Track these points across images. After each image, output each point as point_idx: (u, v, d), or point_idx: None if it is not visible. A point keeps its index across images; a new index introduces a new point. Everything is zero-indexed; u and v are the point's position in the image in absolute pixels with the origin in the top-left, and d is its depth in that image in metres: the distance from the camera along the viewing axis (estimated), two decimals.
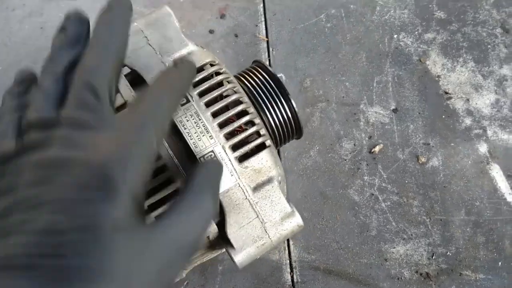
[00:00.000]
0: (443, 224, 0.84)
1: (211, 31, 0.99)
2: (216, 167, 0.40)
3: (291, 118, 0.65)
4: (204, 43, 0.98)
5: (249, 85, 0.64)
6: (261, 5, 1.02)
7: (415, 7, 1.02)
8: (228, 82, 0.58)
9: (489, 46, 0.99)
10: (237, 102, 0.57)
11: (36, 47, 0.96)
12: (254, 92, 0.63)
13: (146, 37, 0.61)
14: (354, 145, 0.90)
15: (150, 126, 0.33)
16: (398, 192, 0.87)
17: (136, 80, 0.59)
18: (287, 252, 0.82)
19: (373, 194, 0.87)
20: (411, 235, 0.84)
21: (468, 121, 0.92)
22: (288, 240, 0.83)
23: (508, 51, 0.99)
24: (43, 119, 0.33)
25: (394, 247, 0.83)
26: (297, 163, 0.89)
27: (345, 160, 0.89)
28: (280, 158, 0.89)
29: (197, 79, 0.56)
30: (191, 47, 0.60)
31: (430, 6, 1.03)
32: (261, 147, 0.57)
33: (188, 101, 0.54)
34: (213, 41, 0.98)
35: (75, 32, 0.39)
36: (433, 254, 0.82)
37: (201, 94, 0.55)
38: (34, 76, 0.40)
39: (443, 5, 1.03)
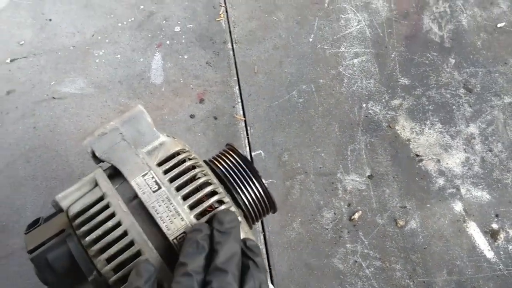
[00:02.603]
0: (427, 286, 0.86)
1: (192, 116, 1.06)
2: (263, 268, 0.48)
3: (263, 195, 0.69)
4: (186, 127, 1.04)
5: (221, 167, 0.69)
6: (237, 87, 1.09)
7: (380, 76, 1.09)
8: (198, 167, 0.63)
9: (454, 106, 1.05)
10: (206, 184, 0.61)
11: (30, 146, 1.02)
12: (226, 174, 0.68)
13: (121, 133, 0.66)
14: (334, 213, 0.93)
15: None
16: (380, 257, 0.89)
17: (113, 173, 0.64)
18: None
19: (356, 261, 0.89)
20: None
21: (441, 181, 0.96)
22: None
23: (473, 110, 1.04)
24: None
25: None
26: (281, 236, 0.92)
27: (327, 229, 0.92)
28: (264, 233, 0.92)
29: (167, 166, 0.61)
30: (162, 138, 0.65)
31: (394, 74, 1.09)
32: None
33: (159, 187, 0.59)
34: (194, 125, 1.05)
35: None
36: None
37: (172, 180, 0.59)
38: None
39: (406, 71, 1.09)
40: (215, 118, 1.05)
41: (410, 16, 1.17)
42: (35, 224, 0.66)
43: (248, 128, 1.04)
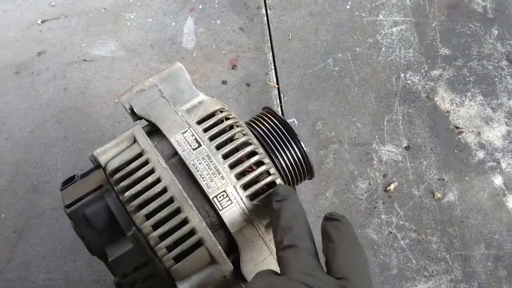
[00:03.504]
0: (464, 259, 0.84)
1: (224, 82, 1.04)
2: (348, 222, 0.48)
3: (301, 159, 0.67)
4: (218, 93, 1.02)
5: (259, 130, 0.67)
6: (270, 54, 1.07)
7: (419, 46, 1.05)
8: (237, 126, 0.61)
9: (496, 79, 1.01)
10: (246, 144, 0.60)
11: (60, 108, 1.02)
12: (265, 136, 0.66)
13: (160, 90, 0.65)
14: (369, 184, 0.91)
15: None
16: (416, 229, 0.87)
17: (152, 130, 0.62)
18: None
19: (391, 232, 0.87)
20: (432, 272, 0.83)
21: (481, 154, 0.93)
22: None
23: None
24: None
25: (416, 285, 0.82)
26: (314, 205, 0.90)
27: (361, 199, 0.90)
28: None
29: (207, 124, 0.59)
30: (201, 97, 0.64)
31: (434, 44, 1.05)
32: (271, 185, 0.59)
33: (199, 145, 0.57)
34: (227, 91, 1.03)
35: None
36: None
37: (212, 138, 0.58)
38: None
39: (447, 41, 1.05)
40: (248, 85, 1.03)
41: None
42: (70, 181, 0.65)
43: (282, 95, 1.02)
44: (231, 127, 0.62)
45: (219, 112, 0.62)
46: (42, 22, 1.12)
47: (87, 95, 1.03)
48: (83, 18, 1.13)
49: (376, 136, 0.96)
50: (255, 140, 0.62)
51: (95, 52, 1.08)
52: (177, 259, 0.55)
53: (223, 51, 1.07)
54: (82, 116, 1.01)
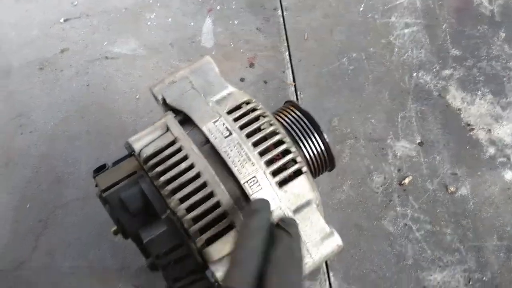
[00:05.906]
0: (477, 250, 0.87)
1: (242, 79, 1.07)
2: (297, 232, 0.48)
3: (324, 150, 0.70)
4: None
5: (283, 122, 0.70)
6: (287, 53, 1.10)
7: (431, 47, 1.09)
8: (264, 117, 0.64)
9: (504, 78, 1.05)
10: (274, 133, 0.63)
11: (84, 103, 1.05)
12: (289, 128, 0.69)
13: (191, 82, 0.68)
14: (384, 178, 0.95)
15: None
16: (430, 221, 0.90)
17: (184, 119, 0.65)
18: (327, 283, 0.85)
19: (406, 224, 0.90)
20: (447, 262, 0.86)
21: (492, 150, 0.97)
22: (328, 272, 0.86)
23: None
24: None
25: (431, 275, 0.85)
26: (331, 197, 0.93)
27: (377, 193, 0.93)
28: None
29: (237, 114, 0.63)
30: (230, 89, 0.67)
31: (445, 45, 1.09)
32: (298, 173, 0.61)
33: (231, 133, 0.60)
34: (244, 88, 1.05)
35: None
36: (469, 280, 0.85)
37: (242, 127, 0.61)
38: None
39: (457, 43, 1.09)
40: (265, 82, 1.07)
41: None
42: (101, 169, 0.68)
43: (298, 93, 1.05)
44: (259, 117, 0.65)
45: (247, 103, 0.66)
46: (64, 21, 1.16)
47: (109, 91, 1.06)
48: (105, 17, 1.16)
49: (391, 132, 0.99)
50: (282, 130, 0.65)
51: (116, 50, 1.12)
52: (209, 241, 0.57)
53: (241, 50, 1.11)
54: (105, 111, 1.04)
